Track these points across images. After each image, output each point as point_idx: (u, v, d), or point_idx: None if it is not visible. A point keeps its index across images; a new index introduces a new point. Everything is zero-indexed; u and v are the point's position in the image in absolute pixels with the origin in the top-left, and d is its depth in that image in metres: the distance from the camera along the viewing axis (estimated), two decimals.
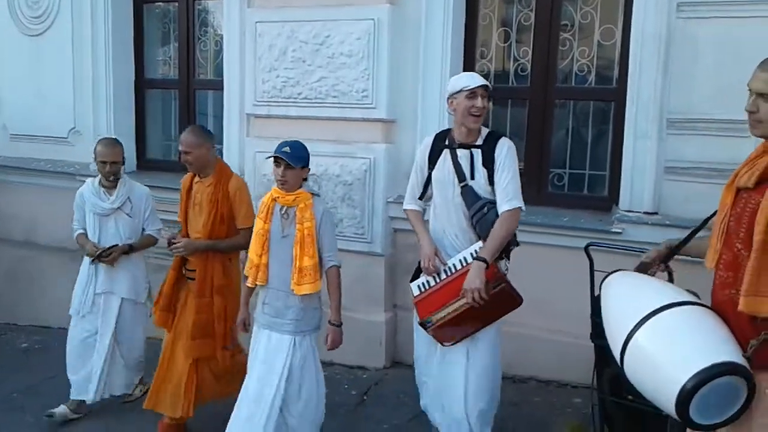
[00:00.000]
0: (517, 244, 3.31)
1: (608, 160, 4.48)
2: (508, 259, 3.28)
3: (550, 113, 4.60)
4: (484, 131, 3.24)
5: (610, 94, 4.43)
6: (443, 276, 3.18)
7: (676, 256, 2.66)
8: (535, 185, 4.57)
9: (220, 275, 3.78)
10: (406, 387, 4.36)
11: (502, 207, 3.12)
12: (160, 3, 6.05)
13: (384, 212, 4.70)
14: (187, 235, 3.86)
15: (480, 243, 3.14)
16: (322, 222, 3.30)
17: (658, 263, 2.64)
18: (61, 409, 4.25)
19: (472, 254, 3.13)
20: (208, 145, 3.82)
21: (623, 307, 2.32)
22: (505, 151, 3.17)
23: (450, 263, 3.20)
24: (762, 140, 2.14)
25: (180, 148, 3.80)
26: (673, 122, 3.99)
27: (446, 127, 4.43)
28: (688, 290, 2.30)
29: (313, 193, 3.37)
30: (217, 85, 5.50)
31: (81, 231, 4.30)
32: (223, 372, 3.93)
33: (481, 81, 3.15)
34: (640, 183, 4.08)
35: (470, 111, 3.13)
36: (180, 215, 3.96)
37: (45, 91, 6.19)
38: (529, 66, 4.63)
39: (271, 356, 3.33)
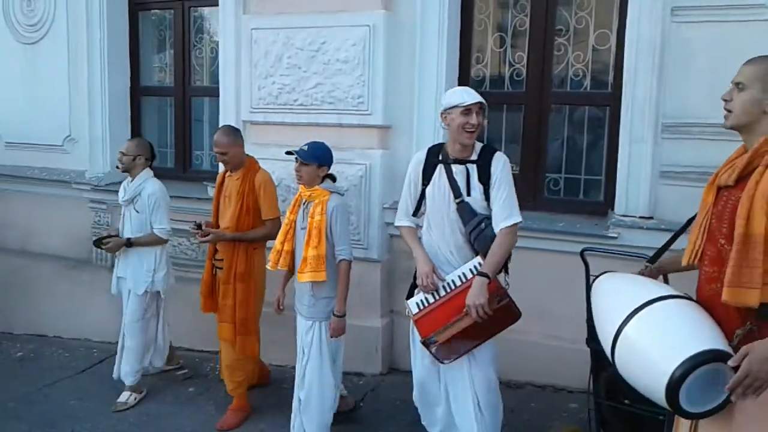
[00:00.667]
0: (510, 255, 3.28)
1: (604, 165, 4.48)
2: (507, 273, 3.27)
3: (546, 118, 4.60)
4: (478, 146, 3.21)
5: (605, 99, 4.44)
6: (442, 293, 3.14)
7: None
8: (530, 190, 4.58)
9: (243, 263, 4.06)
10: (402, 393, 4.35)
11: (501, 224, 3.09)
12: (156, 10, 6.05)
13: (380, 218, 4.70)
14: (218, 226, 4.17)
15: (479, 258, 3.11)
16: (332, 217, 3.53)
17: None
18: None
19: (471, 270, 3.09)
20: (241, 142, 4.18)
21: (611, 304, 2.36)
22: (501, 166, 3.14)
23: (449, 279, 3.16)
24: (742, 143, 2.24)
25: (215, 149, 4.11)
26: (668, 126, 4.00)
27: (441, 132, 4.45)
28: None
29: (332, 191, 3.61)
30: (213, 92, 5.50)
31: None
32: (230, 360, 4.15)
33: (477, 98, 3.11)
34: (635, 187, 4.09)
35: (465, 128, 3.09)
36: (213, 207, 4.31)
37: (40, 98, 6.19)
38: (524, 71, 4.63)
39: (298, 338, 3.72)
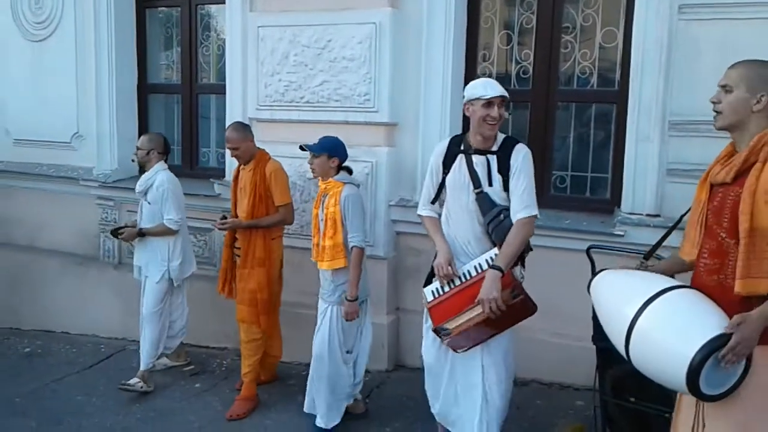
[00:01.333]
0: (531, 249, 3.28)
1: (610, 163, 4.48)
2: (523, 266, 3.25)
3: (552, 116, 4.60)
4: (500, 137, 3.21)
5: (612, 97, 4.43)
6: (457, 282, 3.14)
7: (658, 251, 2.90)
8: (537, 188, 4.55)
9: (261, 249, 4.26)
10: (408, 390, 4.37)
11: (519, 214, 3.09)
12: (163, 8, 6.07)
13: (386, 215, 4.71)
14: (236, 216, 4.37)
15: (495, 250, 3.10)
16: (344, 206, 3.72)
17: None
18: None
19: (488, 261, 3.08)
20: (251, 137, 4.38)
21: (617, 301, 2.44)
22: (521, 157, 3.14)
23: (465, 269, 3.15)
24: (731, 140, 2.36)
25: (227, 145, 4.33)
26: (674, 124, 3.99)
27: (448, 130, 4.47)
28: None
29: (345, 182, 3.78)
30: (220, 90, 5.51)
31: None
32: (245, 341, 4.30)
33: (499, 92, 3.10)
34: (642, 185, 4.08)
35: (486, 119, 3.09)
36: (231, 199, 4.50)
37: (48, 96, 6.21)
38: (531, 69, 4.63)
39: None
